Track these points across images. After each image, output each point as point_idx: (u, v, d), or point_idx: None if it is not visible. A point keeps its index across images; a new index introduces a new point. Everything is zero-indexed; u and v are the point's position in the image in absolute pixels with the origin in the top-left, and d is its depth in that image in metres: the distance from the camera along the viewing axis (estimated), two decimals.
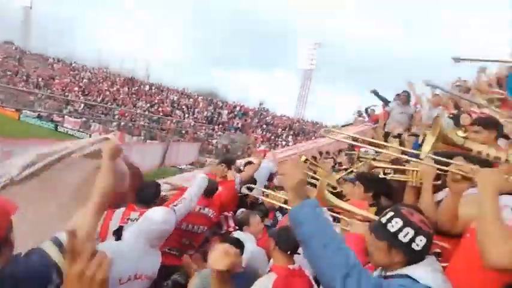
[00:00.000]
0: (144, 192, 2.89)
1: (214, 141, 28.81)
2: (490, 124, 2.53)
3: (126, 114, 29.10)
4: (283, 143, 31.34)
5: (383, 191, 3.23)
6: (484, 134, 2.49)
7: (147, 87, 39.13)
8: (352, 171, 4.40)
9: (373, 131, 6.60)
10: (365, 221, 1.93)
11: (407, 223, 1.46)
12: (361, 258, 1.77)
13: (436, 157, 1.80)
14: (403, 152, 2.75)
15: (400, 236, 1.44)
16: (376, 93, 8.19)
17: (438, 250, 1.87)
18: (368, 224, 1.64)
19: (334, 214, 2.42)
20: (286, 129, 35.77)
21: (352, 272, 1.20)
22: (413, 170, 2.37)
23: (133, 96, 36.52)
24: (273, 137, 34.07)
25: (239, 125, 34.88)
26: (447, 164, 1.78)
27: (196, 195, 3.08)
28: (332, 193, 4.25)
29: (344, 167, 5.13)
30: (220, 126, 34.24)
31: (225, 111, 36.82)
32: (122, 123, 23.97)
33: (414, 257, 1.44)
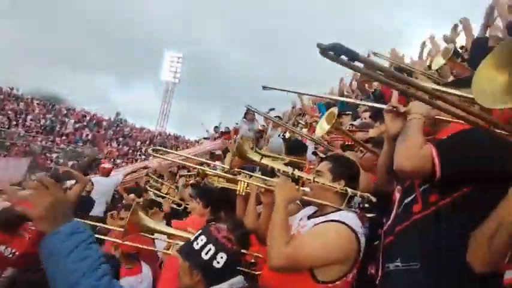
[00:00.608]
0: None
1: (53, 156, 24.10)
2: (297, 150, 3.13)
3: None
4: (143, 157, 29.38)
5: (221, 204, 3.33)
6: (299, 157, 3.04)
7: None
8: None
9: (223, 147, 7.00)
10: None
11: (211, 240, 1.44)
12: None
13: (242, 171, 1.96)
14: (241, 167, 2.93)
15: (203, 254, 1.41)
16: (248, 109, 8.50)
17: (253, 260, 2.01)
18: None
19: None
20: (146, 142, 33.78)
21: None
22: (240, 181, 2.55)
23: None
24: (131, 151, 31.47)
25: (89, 137, 30.59)
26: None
27: None
28: (175, 211, 4.17)
29: (191, 181, 5.12)
30: (64, 137, 29.10)
31: (71, 121, 31.66)
32: None
33: (215, 277, 1.41)
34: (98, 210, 5.50)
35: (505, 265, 1.27)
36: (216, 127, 11.59)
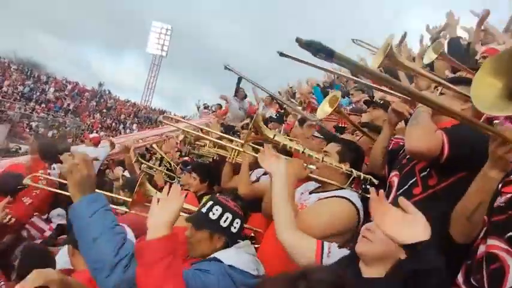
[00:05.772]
0: None
1: (33, 124, 23.27)
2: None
3: None
4: (127, 130, 28.74)
5: (216, 178, 3.39)
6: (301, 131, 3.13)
7: None
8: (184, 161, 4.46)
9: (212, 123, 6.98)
10: (187, 213, 1.92)
11: (225, 209, 1.61)
12: (185, 248, 1.77)
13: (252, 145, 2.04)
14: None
15: (221, 222, 1.58)
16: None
17: (252, 234, 2.09)
18: (186, 217, 1.64)
19: None
20: (131, 116, 33.07)
21: (122, 261, 1.21)
22: (233, 149, 2.76)
23: None
24: (114, 124, 30.76)
25: (70, 107, 29.60)
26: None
27: None
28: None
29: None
30: (43, 105, 28.03)
31: (52, 89, 30.44)
32: None
33: (233, 240, 1.59)
34: None
35: (478, 241, 1.40)
36: (205, 104, 11.49)
